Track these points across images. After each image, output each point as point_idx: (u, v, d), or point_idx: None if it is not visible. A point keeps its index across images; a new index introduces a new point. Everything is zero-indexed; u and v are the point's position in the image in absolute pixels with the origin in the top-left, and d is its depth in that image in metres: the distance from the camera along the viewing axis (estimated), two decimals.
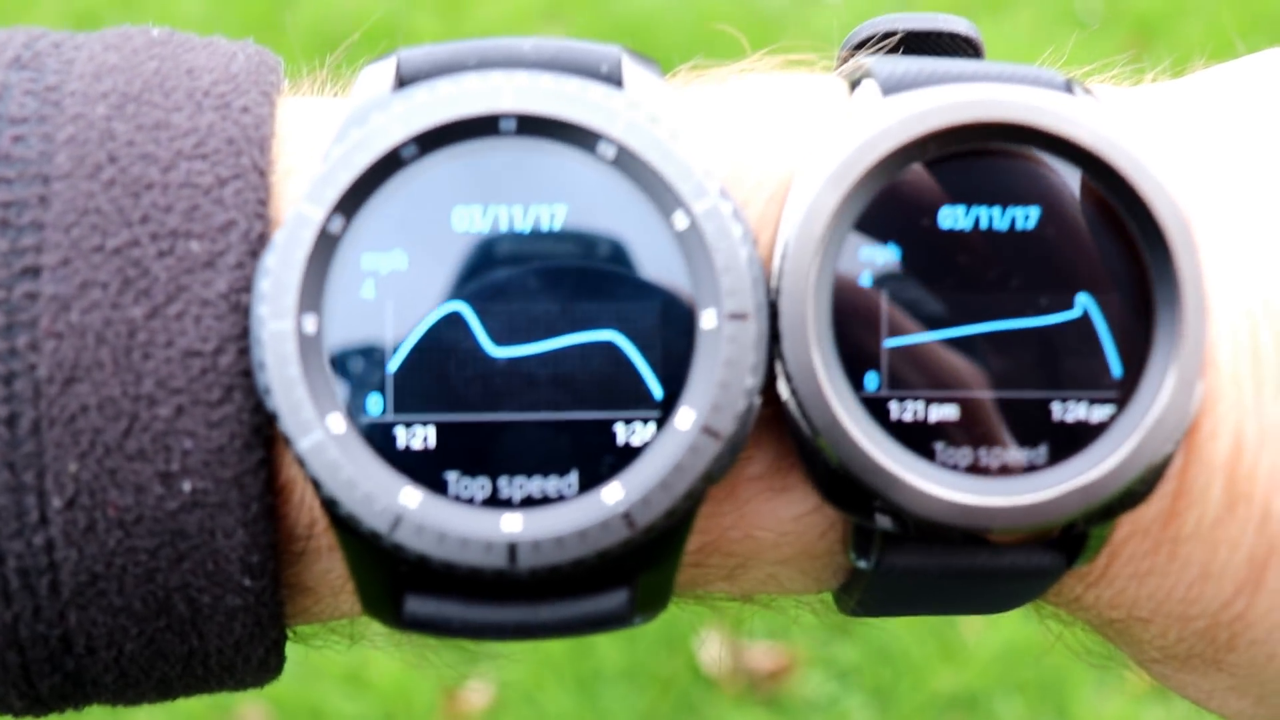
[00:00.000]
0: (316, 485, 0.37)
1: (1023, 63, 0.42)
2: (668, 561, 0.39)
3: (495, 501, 0.38)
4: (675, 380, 0.38)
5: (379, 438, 0.38)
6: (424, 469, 0.38)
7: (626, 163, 0.38)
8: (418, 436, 0.38)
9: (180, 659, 0.39)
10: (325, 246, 0.37)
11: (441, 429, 0.38)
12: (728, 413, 0.37)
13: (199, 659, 0.39)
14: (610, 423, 0.38)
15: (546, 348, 0.38)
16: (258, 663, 0.40)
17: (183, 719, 1.68)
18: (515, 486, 0.38)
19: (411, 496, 0.37)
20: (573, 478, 0.38)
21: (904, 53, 0.44)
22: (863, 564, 0.40)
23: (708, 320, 0.38)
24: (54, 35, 0.41)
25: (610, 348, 0.38)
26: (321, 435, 0.37)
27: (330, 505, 0.37)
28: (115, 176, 0.37)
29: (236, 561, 0.37)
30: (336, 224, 0.37)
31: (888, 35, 0.43)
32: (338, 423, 0.37)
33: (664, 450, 0.37)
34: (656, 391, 0.38)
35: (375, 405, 0.38)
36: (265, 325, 0.36)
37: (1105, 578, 0.42)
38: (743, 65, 0.44)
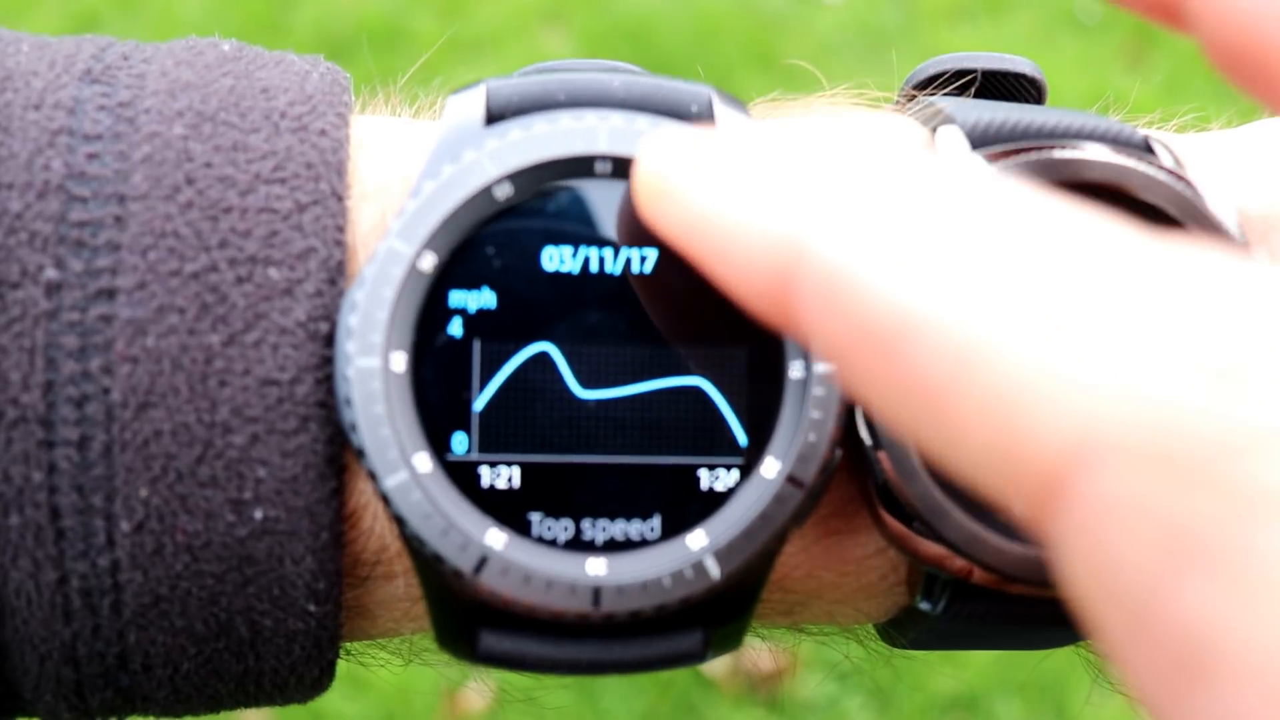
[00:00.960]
0: (400, 523, 0.37)
1: (1096, 114, 0.42)
2: (745, 605, 0.39)
3: (579, 544, 0.38)
4: (761, 429, 0.38)
5: (464, 477, 0.38)
6: (508, 509, 0.38)
7: None
8: (502, 477, 0.38)
9: (234, 677, 0.39)
10: (415, 283, 0.37)
11: (526, 470, 0.38)
12: (812, 463, 0.37)
13: (252, 678, 0.39)
14: (695, 468, 0.38)
15: (633, 391, 0.38)
16: (310, 682, 0.40)
17: None
18: (599, 529, 0.38)
19: (497, 538, 0.37)
20: (655, 522, 0.38)
21: (974, 93, 0.44)
22: (927, 607, 0.41)
23: (795, 371, 0.38)
24: (120, 46, 0.40)
25: (697, 393, 0.38)
26: (406, 475, 0.36)
27: (414, 544, 0.37)
28: (193, 199, 0.37)
29: (303, 587, 0.37)
30: (427, 261, 0.37)
31: (960, 74, 0.43)
32: (423, 461, 0.37)
33: (749, 499, 0.38)
34: (741, 439, 0.38)
35: (460, 444, 0.38)
36: (352, 362, 0.36)
37: None
38: (821, 100, 0.44)
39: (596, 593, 0.37)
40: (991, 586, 0.40)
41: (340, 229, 0.38)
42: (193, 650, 0.38)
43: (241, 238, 0.37)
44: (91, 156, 0.37)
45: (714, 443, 0.38)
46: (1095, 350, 0.23)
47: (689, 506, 0.38)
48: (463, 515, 0.37)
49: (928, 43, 2.82)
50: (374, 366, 0.36)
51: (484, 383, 0.38)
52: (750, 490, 0.38)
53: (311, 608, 0.38)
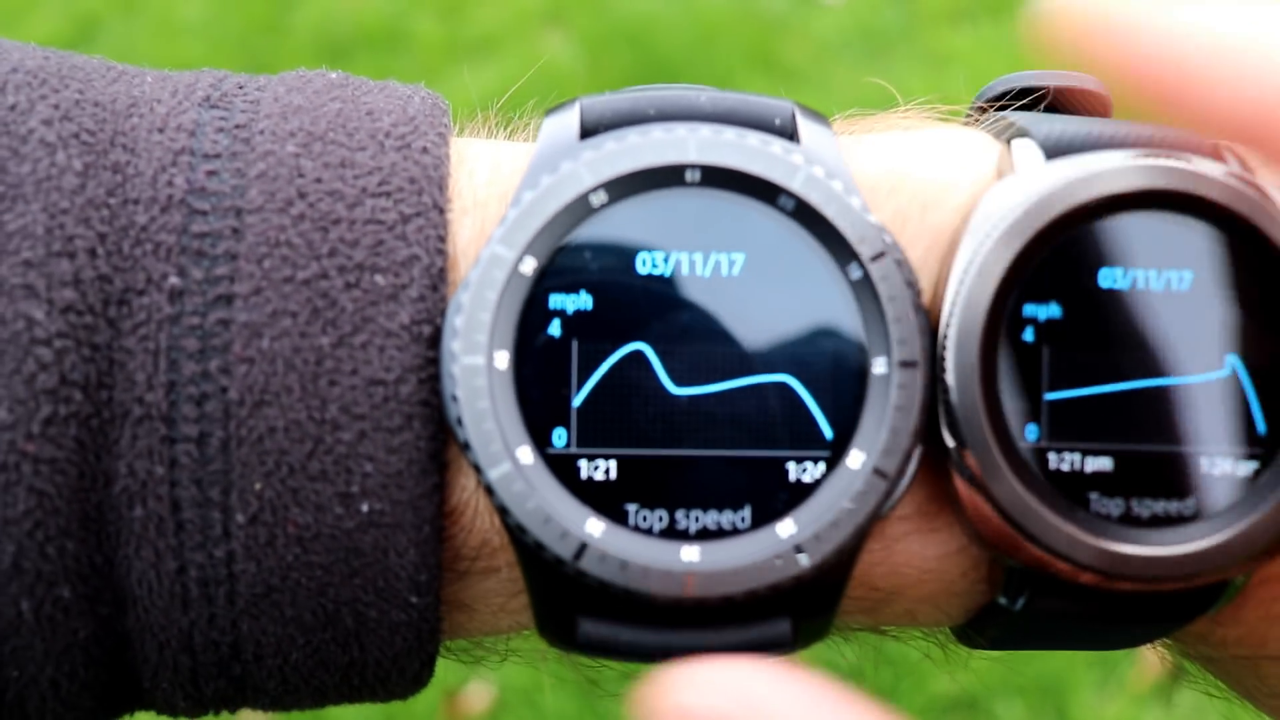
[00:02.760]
0: (503, 513, 0.39)
1: (1165, 125, 0.44)
2: (831, 595, 0.41)
3: (673, 533, 0.40)
4: (845, 422, 0.40)
5: (563, 469, 0.40)
6: (605, 500, 0.40)
7: (804, 215, 0.40)
8: (600, 469, 0.40)
9: (340, 669, 0.41)
10: (516, 286, 0.40)
11: (623, 462, 0.40)
12: (896, 455, 0.39)
13: (357, 670, 0.41)
14: (783, 460, 0.40)
15: (723, 388, 0.40)
16: (411, 676, 0.42)
17: None
18: (692, 519, 0.40)
19: (595, 526, 0.39)
20: (746, 512, 0.40)
21: (1043, 109, 0.46)
22: (1006, 602, 0.42)
23: (878, 367, 0.40)
24: (236, 77, 0.43)
25: (784, 389, 0.40)
26: (510, 466, 0.39)
27: (517, 532, 0.39)
28: (305, 211, 0.39)
29: (406, 579, 0.39)
30: (528, 265, 0.40)
31: (1027, 91, 0.46)
32: (526, 454, 0.39)
33: (836, 489, 0.40)
34: (827, 433, 0.40)
35: (560, 438, 0.40)
36: (458, 360, 0.39)
37: (1236, 618, 0.44)
38: (896, 115, 0.47)
39: (690, 578, 0.39)
40: (1077, 583, 0.41)
41: (442, 239, 0.40)
42: (301, 640, 0.40)
43: (350, 247, 0.39)
44: (211, 174, 0.40)
45: (801, 436, 0.40)
46: None
47: (778, 497, 0.40)
48: (563, 505, 0.39)
49: (927, 44, 2.82)
50: (479, 364, 0.39)
51: (582, 381, 0.40)
52: (837, 481, 0.40)
53: (414, 599, 0.39)
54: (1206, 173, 0.41)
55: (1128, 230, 0.41)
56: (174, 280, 0.38)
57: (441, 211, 0.40)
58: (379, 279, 0.39)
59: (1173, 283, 0.41)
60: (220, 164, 0.40)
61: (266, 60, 2.80)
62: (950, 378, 0.40)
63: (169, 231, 0.39)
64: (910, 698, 1.74)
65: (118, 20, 2.88)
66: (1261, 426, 0.41)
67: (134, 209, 0.39)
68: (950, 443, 0.40)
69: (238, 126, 0.41)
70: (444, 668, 0.51)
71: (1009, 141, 0.43)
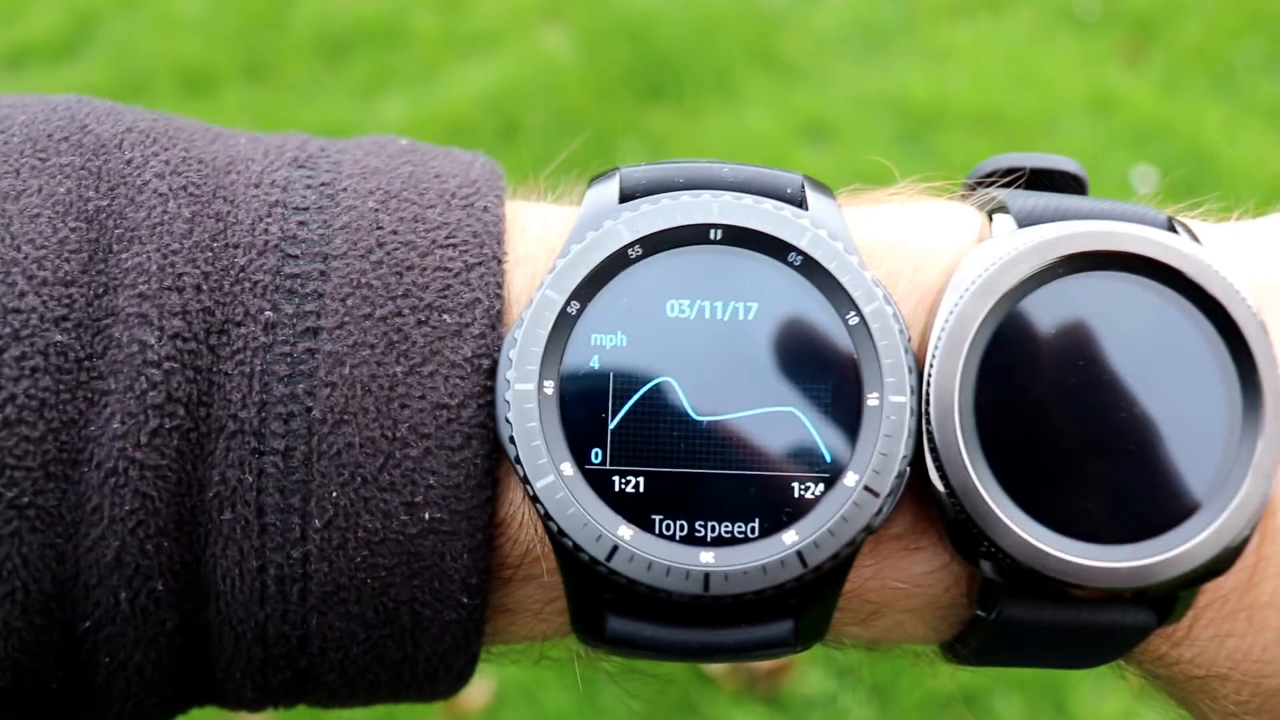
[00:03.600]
0: (547, 519, 0.45)
1: (1128, 201, 0.51)
2: (828, 599, 0.47)
3: (692, 539, 0.46)
4: (842, 448, 0.46)
5: (599, 483, 0.46)
6: (635, 510, 0.46)
7: (810, 269, 0.47)
8: (631, 483, 0.46)
9: (393, 664, 0.46)
10: (563, 325, 0.46)
11: (650, 478, 0.46)
12: (886, 477, 0.45)
13: (408, 666, 0.46)
14: (788, 480, 0.46)
15: (739, 416, 0.46)
16: (456, 673, 0.47)
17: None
18: (709, 528, 0.46)
19: (625, 532, 0.45)
20: (755, 523, 0.46)
21: (1024, 186, 0.53)
22: (983, 614, 0.47)
23: (872, 400, 0.46)
24: (317, 141, 0.50)
25: (791, 418, 0.46)
26: (554, 478, 0.45)
27: (558, 536, 0.45)
28: (383, 258, 0.46)
29: (459, 582, 0.44)
30: (573, 307, 0.46)
31: (1011, 171, 0.53)
32: (567, 469, 0.45)
33: (833, 505, 0.45)
34: (826, 456, 0.46)
35: (597, 456, 0.46)
36: (511, 387, 0.45)
37: (1189, 639, 0.48)
38: (893, 190, 0.53)
39: (706, 578, 0.45)
40: (1046, 593, 0.46)
41: (499, 285, 0.46)
42: (363, 635, 0.45)
43: (421, 290, 0.45)
44: (301, 224, 0.46)
45: (804, 459, 0.46)
46: None
47: (783, 511, 0.46)
48: (598, 513, 0.45)
49: (927, 40, 2.82)
50: (529, 390, 0.45)
51: (617, 407, 0.46)
52: (834, 498, 0.46)
53: (465, 600, 0.45)
54: (1154, 238, 0.47)
55: (1076, 287, 0.47)
56: (268, 314, 0.44)
57: (500, 262, 0.46)
58: (446, 318, 0.45)
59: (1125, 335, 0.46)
60: (309, 215, 0.46)
61: (266, 56, 2.80)
62: (932, 411, 0.45)
63: (265, 272, 0.45)
64: (909, 692, 1.74)
65: (117, 15, 2.88)
66: (1201, 468, 0.46)
67: (234, 252, 0.45)
68: (932, 467, 0.46)
69: (324, 184, 0.47)
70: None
71: (990, 214, 0.50)
